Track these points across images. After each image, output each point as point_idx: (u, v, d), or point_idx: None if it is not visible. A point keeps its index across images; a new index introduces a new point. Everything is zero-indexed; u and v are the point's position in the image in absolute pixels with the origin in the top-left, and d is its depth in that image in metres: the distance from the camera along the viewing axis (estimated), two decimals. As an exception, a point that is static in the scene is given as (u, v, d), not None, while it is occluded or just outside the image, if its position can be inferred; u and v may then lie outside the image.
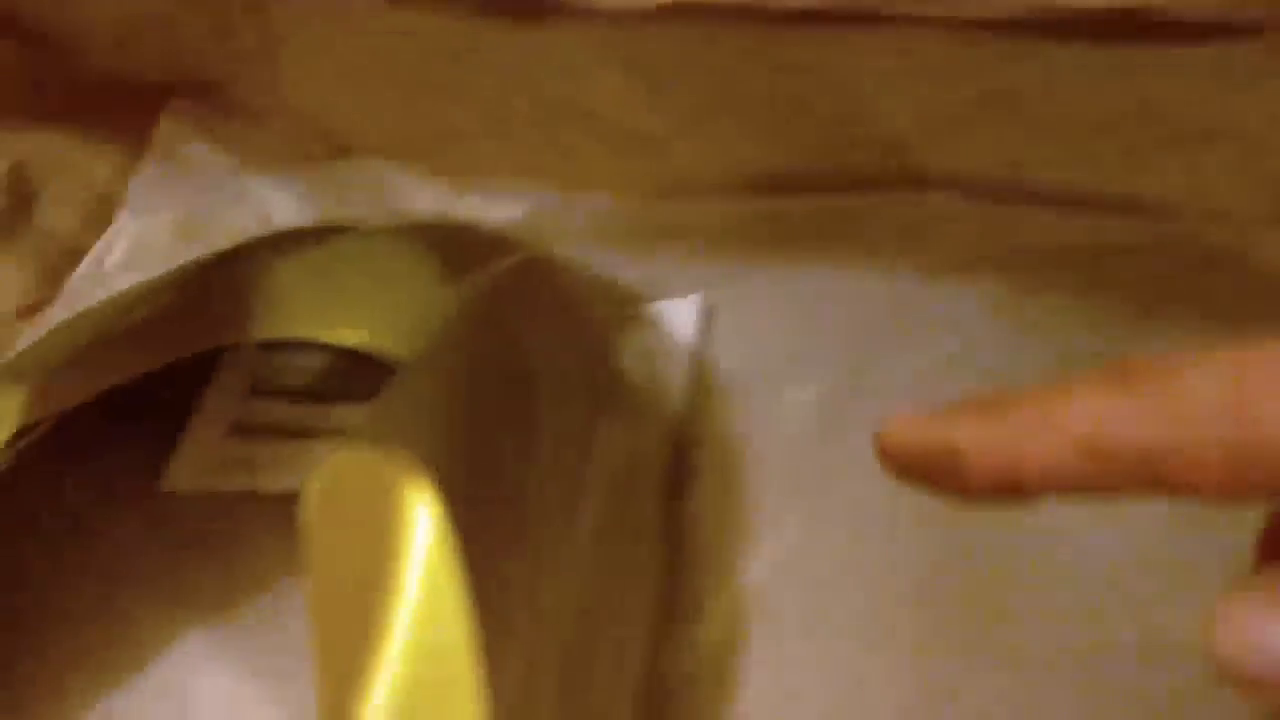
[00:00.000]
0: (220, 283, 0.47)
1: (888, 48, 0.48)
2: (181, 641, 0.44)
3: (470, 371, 0.40)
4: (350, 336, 0.44)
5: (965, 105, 0.50)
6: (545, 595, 0.36)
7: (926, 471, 0.24)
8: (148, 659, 0.44)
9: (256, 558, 0.46)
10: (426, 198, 0.59)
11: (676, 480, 0.46)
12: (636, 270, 0.53)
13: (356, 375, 0.49)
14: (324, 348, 0.50)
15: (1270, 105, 0.45)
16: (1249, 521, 0.25)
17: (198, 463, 0.49)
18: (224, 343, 0.48)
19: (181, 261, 0.48)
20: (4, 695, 0.44)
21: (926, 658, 0.40)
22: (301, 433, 0.49)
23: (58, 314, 0.58)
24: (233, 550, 0.47)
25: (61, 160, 0.64)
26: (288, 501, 0.46)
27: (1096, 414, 0.22)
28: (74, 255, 0.61)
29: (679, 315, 0.51)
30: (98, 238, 0.62)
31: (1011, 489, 0.23)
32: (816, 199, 0.53)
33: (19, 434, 0.42)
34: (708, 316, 0.51)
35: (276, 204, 0.60)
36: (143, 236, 0.61)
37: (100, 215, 0.62)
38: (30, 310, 0.59)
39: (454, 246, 0.49)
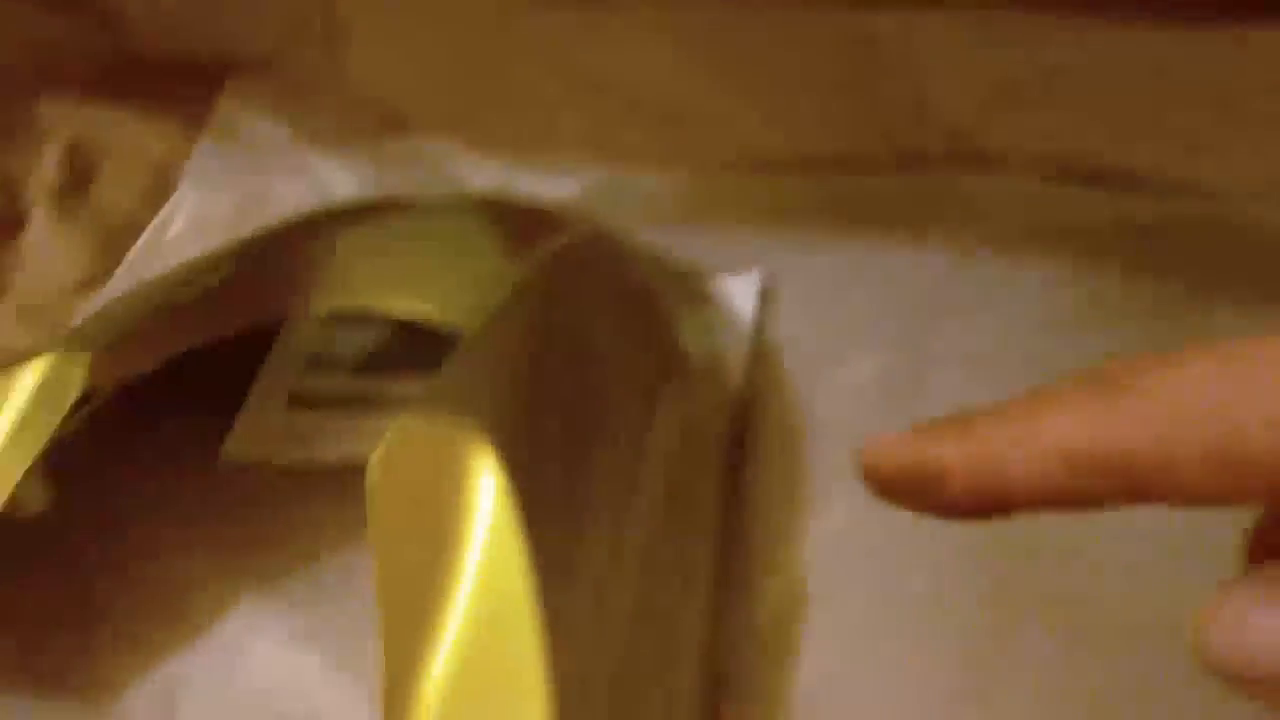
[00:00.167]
0: (280, 255, 0.48)
1: (949, 25, 0.48)
2: (239, 609, 0.45)
3: (532, 343, 0.40)
4: (411, 309, 0.44)
5: (1026, 85, 0.50)
6: (606, 565, 0.36)
7: (911, 491, 0.24)
8: (205, 626, 0.44)
9: (314, 528, 0.46)
10: (484, 174, 0.59)
11: (736, 453, 0.46)
12: (694, 246, 0.53)
13: (415, 348, 0.50)
14: (383, 321, 0.50)
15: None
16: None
17: (257, 434, 0.49)
18: (284, 315, 0.48)
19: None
20: (64, 659, 0.44)
21: (983, 629, 0.40)
22: (360, 405, 0.49)
23: (115, 289, 0.59)
24: (290, 520, 0.47)
25: (121, 136, 0.64)
26: (345, 473, 0.46)
27: (1077, 426, 0.22)
28: (132, 231, 0.62)
29: (739, 290, 0.50)
30: (156, 213, 0.62)
31: (996, 506, 0.23)
32: (874, 175, 0.53)
33: (81, 402, 0.42)
34: (767, 291, 0.51)
35: (335, 180, 0.60)
36: (201, 211, 0.61)
37: (159, 191, 0.63)
38: (88, 285, 0.60)
39: (514, 221, 0.49)
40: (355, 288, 0.46)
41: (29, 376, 0.42)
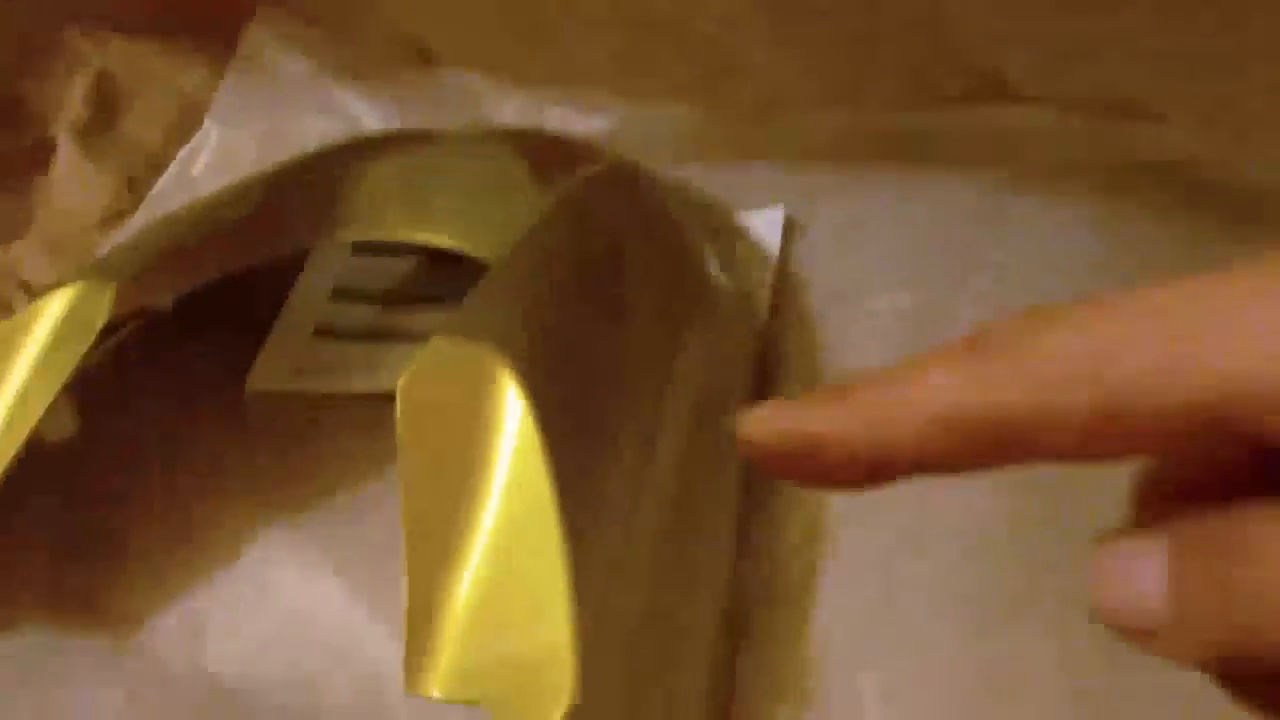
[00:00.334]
0: (307, 186, 0.47)
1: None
2: (264, 538, 0.45)
3: (559, 273, 0.40)
4: (438, 238, 0.44)
5: (1054, 22, 0.50)
6: (632, 491, 0.36)
7: (791, 464, 0.23)
8: (231, 555, 0.44)
9: (338, 458, 0.46)
10: (512, 109, 0.59)
11: (761, 388, 0.46)
12: (721, 183, 0.52)
13: (440, 280, 0.50)
14: (409, 252, 0.50)
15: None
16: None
17: (282, 364, 0.49)
18: (311, 245, 0.48)
19: (267, 169, 0.48)
20: (89, 590, 0.44)
21: (1003, 576, 0.40)
22: (385, 335, 0.49)
23: (141, 221, 0.59)
24: (315, 450, 0.47)
25: (147, 70, 0.64)
26: (370, 403, 0.46)
27: (951, 388, 0.21)
28: (159, 164, 0.62)
29: (764, 225, 0.50)
30: (182, 147, 0.62)
31: (877, 472, 0.22)
32: (905, 112, 0.53)
33: (108, 333, 0.42)
34: (792, 228, 0.51)
35: (362, 113, 0.60)
36: (228, 145, 0.61)
37: (185, 125, 0.63)
38: (113, 219, 0.60)
39: (542, 153, 0.48)
40: (382, 219, 0.46)
41: (55, 306, 0.42)
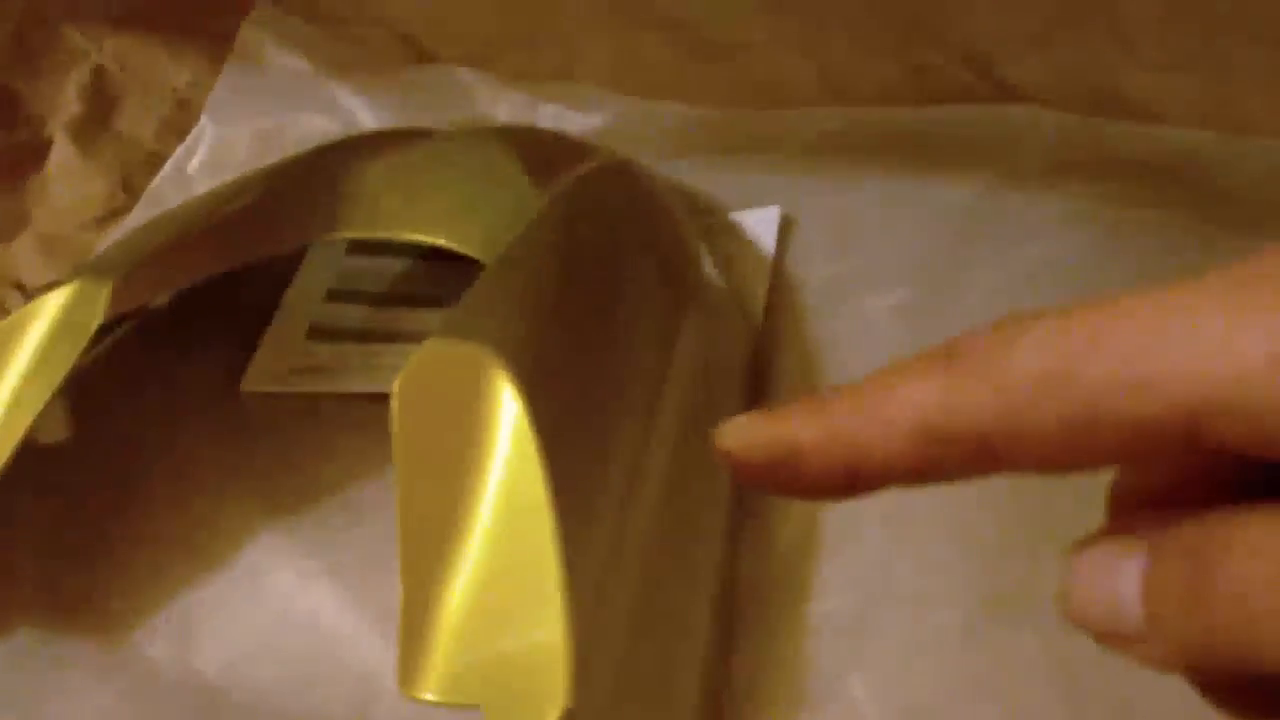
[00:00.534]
0: (304, 184, 0.47)
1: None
2: (258, 540, 0.45)
3: (554, 272, 0.40)
4: (433, 236, 0.44)
5: (1053, 18, 0.50)
6: (625, 491, 0.36)
7: (767, 473, 0.23)
8: (225, 554, 0.44)
9: (332, 458, 0.46)
10: (507, 106, 0.59)
11: (756, 384, 0.46)
12: (717, 180, 0.52)
13: (435, 280, 0.50)
14: (404, 252, 0.50)
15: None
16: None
17: (277, 364, 0.49)
18: (307, 241, 0.48)
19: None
20: (83, 588, 0.44)
21: (995, 577, 0.40)
22: (380, 336, 0.49)
23: (137, 219, 0.58)
24: (309, 450, 0.47)
25: (143, 67, 0.64)
26: (364, 403, 0.46)
27: (923, 401, 0.21)
28: (154, 161, 0.61)
29: (760, 224, 0.50)
30: (178, 144, 0.62)
31: (853, 483, 0.22)
32: (898, 109, 0.53)
33: (104, 332, 0.42)
34: (788, 226, 0.51)
35: (358, 111, 0.60)
36: (223, 143, 0.61)
37: (181, 122, 0.63)
38: (109, 217, 0.59)
39: (537, 151, 0.48)
40: (378, 215, 0.46)
41: (50, 307, 0.42)
